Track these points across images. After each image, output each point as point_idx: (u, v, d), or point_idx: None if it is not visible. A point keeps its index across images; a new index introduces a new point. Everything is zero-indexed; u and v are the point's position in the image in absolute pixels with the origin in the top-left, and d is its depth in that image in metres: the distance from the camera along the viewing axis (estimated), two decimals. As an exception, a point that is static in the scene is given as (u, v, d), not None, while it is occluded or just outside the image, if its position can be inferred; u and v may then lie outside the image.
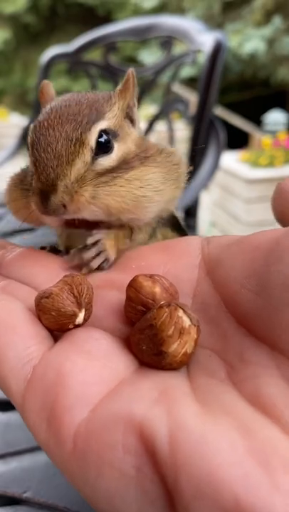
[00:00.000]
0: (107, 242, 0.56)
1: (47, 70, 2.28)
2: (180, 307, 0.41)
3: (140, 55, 8.46)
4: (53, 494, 0.58)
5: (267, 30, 8.25)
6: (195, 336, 0.40)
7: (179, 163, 0.61)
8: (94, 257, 0.55)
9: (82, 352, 0.40)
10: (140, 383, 0.37)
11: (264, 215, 4.85)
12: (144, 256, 0.54)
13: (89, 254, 0.55)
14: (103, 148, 0.55)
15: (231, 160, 5.19)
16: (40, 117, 0.56)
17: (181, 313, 0.40)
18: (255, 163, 5.12)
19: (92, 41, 2.22)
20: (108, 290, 0.50)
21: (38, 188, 0.52)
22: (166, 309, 0.41)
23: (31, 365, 0.40)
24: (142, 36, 2.12)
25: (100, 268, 0.55)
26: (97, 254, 0.55)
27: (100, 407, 0.35)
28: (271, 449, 0.29)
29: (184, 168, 0.62)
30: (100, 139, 0.54)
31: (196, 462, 0.29)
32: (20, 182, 0.60)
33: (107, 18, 9.00)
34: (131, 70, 0.59)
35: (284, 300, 0.39)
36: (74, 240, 0.60)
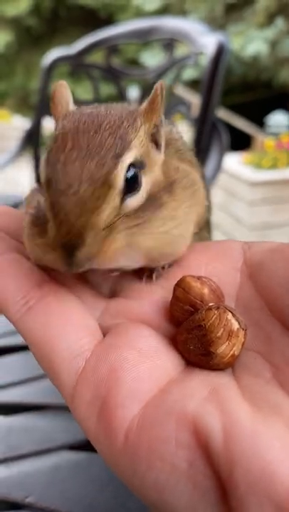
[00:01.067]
0: None
1: (49, 73, 2.28)
2: (229, 310, 0.42)
3: (142, 57, 8.48)
4: (55, 499, 0.58)
5: (269, 32, 8.25)
6: (243, 340, 0.42)
7: (196, 181, 0.57)
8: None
9: (133, 349, 0.41)
10: (189, 381, 0.39)
11: (267, 217, 4.84)
12: (185, 255, 0.54)
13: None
14: (132, 185, 0.46)
15: (234, 162, 5.19)
16: (54, 146, 0.46)
17: (230, 316, 0.42)
18: (258, 166, 5.12)
19: (94, 43, 2.22)
20: (150, 285, 0.51)
21: (59, 241, 0.43)
22: (216, 311, 0.42)
23: (83, 358, 0.41)
24: (144, 38, 2.12)
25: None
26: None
27: (152, 403, 0.37)
28: None
29: (200, 183, 0.58)
30: (127, 175, 0.45)
31: (251, 458, 0.30)
32: (36, 218, 0.49)
33: (109, 21, 9.02)
34: (160, 84, 0.49)
35: None
36: None
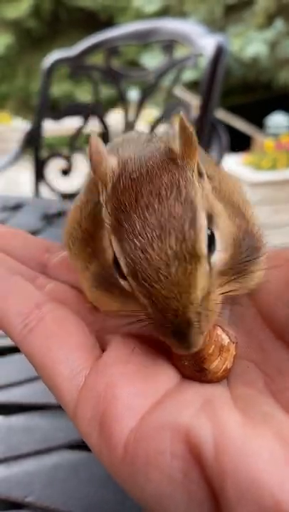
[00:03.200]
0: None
1: (49, 75, 2.28)
2: (218, 326, 0.43)
3: (142, 58, 8.48)
4: (56, 498, 0.58)
5: (269, 34, 8.26)
6: (234, 352, 0.42)
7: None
8: None
9: (129, 363, 0.42)
10: (184, 394, 0.39)
11: (267, 218, 4.84)
12: None
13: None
14: (210, 245, 0.43)
15: (234, 163, 5.19)
16: (123, 229, 0.42)
17: (219, 331, 0.42)
18: (257, 166, 5.12)
19: (94, 45, 2.22)
20: None
21: (170, 329, 0.40)
22: None
23: (82, 376, 0.42)
24: (144, 40, 2.13)
25: None
26: None
27: (148, 416, 0.37)
28: None
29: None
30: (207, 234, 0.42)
31: (240, 468, 0.31)
32: (108, 288, 0.47)
33: (109, 23, 9.02)
34: (181, 117, 0.44)
35: None
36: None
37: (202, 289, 0.41)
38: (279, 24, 8.18)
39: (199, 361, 0.41)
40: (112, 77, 2.20)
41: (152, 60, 7.53)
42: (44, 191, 2.33)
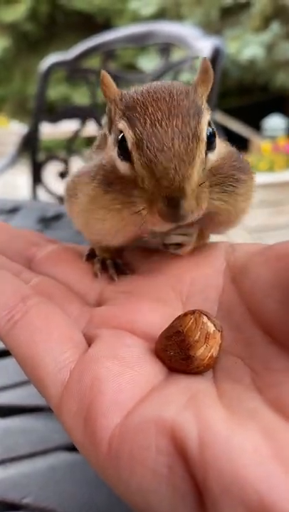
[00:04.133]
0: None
1: (46, 78, 2.29)
2: (204, 314, 0.43)
3: (139, 61, 8.49)
4: (52, 500, 0.58)
5: (265, 36, 8.29)
6: (220, 341, 0.43)
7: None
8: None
9: (115, 358, 0.42)
10: (170, 389, 0.40)
11: (265, 220, 4.85)
12: (171, 262, 0.55)
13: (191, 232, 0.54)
14: (210, 142, 0.49)
15: (231, 165, 5.19)
16: (136, 113, 0.48)
17: (205, 319, 0.43)
18: (255, 169, 5.12)
19: (91, 48, 2.23)
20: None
21: (164, 194, 0.45)
22: (191, 316, 0.43)
23: (68, 370, 0.42)
24: (141, 43, 2.14)
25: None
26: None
27: (134, 412, 0.37)
28: None
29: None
30: (207, 132, 0.48)
31: (223, 462, 0.31)
32: (107, 185, 0.51)
33: (106, 26, 9.02)
34: (206, 58, 0.53)
35: None
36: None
37: (198, 172, 0.46)
38: (275, 27, 8.21)
39: (185, 348, 0.42)
40: (108, 80, 2.20)
41: (149, 63, 7.56)
42: (41, 194, 2.33)
